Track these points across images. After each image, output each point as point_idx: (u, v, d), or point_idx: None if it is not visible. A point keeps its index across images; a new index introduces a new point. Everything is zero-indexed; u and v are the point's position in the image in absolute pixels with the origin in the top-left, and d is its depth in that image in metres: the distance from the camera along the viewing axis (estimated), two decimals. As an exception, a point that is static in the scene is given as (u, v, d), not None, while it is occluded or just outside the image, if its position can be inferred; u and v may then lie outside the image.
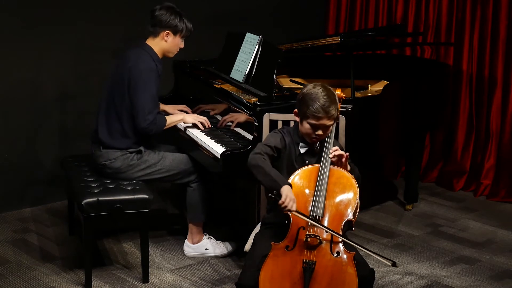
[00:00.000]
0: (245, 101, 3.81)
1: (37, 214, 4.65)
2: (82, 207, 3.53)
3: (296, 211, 2.98)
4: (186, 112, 4.28)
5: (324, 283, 2.93)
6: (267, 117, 3.59)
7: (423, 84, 4.66)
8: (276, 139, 3.24)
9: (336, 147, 3.18)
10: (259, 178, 3.08)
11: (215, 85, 4.27)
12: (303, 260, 2.95)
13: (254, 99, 3.87)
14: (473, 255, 4.18)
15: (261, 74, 4.04)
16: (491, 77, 5.25)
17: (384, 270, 3.89)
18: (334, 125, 3.23)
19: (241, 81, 4.13)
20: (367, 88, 4.64)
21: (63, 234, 4.30)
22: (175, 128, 4.05)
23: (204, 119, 4.04)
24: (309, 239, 2.97)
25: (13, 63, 4.53)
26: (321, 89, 3.13)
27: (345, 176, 3.15)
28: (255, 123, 3.66)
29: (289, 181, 3.10)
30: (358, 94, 4.40)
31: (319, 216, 3.01)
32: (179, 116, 4.02)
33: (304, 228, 3.01)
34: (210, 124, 4.06)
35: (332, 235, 2.99)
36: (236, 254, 4.02)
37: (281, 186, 2.99)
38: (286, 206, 2.96)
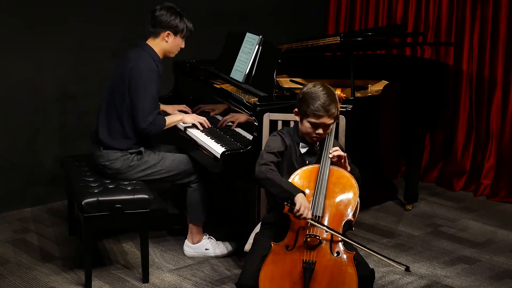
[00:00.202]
0: (245, 101, 3.81)
1: (37, 214, 4.65)
2: (82, 207, 3.53)
3: (312, 219, 2.98)
4: (186, 112, 4.29)
5: (324, 283, 2.93)
6: (267, 117, 3.59)
7: (423, 84, 4.66)
8: (277, 143, 3.24)
9: (337, 147, 3.18)
10: (271, 190, 3.07)
11: (215, 85, 4.27)
12: (303, 260, 2.95)
13: (254, 99, 3.87)
14: (473, 255, 4.18)
15: (261, 74, 4.04)
16: (491, 77, 5.25)
17: (384, 270, 3.89)
18: (334, 124, 3.23)
19: (241, 81, 4.13)
20: (367, 88, 4.64)
21: (63, 234, 4.30)
22: (175, 128, 4.04)
23: (203, 119, 4.03)
24: (309, 239, 2.97)
25: (13, 63, 4.53)
26: (321, 88, 3.14)
27: (345, 176, 3.15)
28: (255, 123, 3.66)
29: (289, 180, 3.11)
30: (358, 94, 4.40)
31: (319, 216, 3.01)
32: (178, 117, 4.02)
33: (304, 228, 3.01)
34: (210, 124, 4.06)
35: (332, 235, 2.99)
36: (236, 254, 4.02)
37: (294, 196, 2.98)
38: (301, 215, 2.95)
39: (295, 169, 3.18)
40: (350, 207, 3.08)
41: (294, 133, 3.30)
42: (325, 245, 2.99)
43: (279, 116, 3.60)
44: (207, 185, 3.98)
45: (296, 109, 3.24)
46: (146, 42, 3.88)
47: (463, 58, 5.37)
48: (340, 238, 2.99)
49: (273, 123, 3.60)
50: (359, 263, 3.01)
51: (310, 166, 3.18)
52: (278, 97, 3.88)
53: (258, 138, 3.61)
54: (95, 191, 3.65)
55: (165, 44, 3.87)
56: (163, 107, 4.24)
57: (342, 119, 3.55)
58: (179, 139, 4.10)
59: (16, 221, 4.51)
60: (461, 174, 5.43)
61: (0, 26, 4.43)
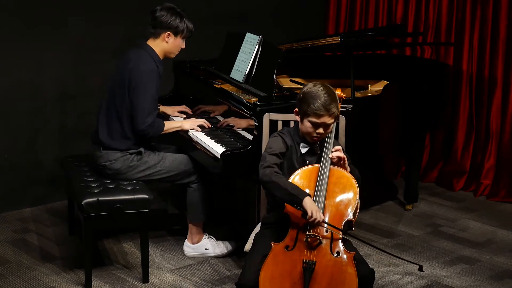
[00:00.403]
0: (245, 101, 3.81)
1: (37, 214, 4.65)
2: (82, 207, 3.53)
3: (326, 223, 2.98)
4: (186, 113, 4.29)
5: (324, 283, 2.93)
6: (267, 117, 3.59)
7: (423, 84, 4.66)
8: (278, 144, 3.24)
9: (339, 147, 3.18)
10: (276, 194, 3.06)
11: (215, 85, 4.27)
12: (303, 260, 2.95)
13: (254, 99, 3.87)
14: (473, 255, 4.18)
15: (261, 74, 4.04)
16: (491, 77, 5.25)
17: (384, 270, 3.89)
18: (334, 124, 3.24)
19: (241, 81, 4.13)
20: (367, 88, 4.64)
21: (63, 234, 4.30)
22: (175, 127, 4.05)
23: (202, 121, 4.03)
24: (309, 239, 2.97)
25: (13, 63, 4.53)
26: (321, 87, 3.14)
27: (345, 176, 3.15)
28: (255, 123, 3.66)
29: (289, 180, 3.10)
30: (358, 94, 4.39)
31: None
32: (177, 123, 4.01)
33: (304, 228, 3.01)
34: (210, 124, 4.05)
35: (332, 234, 3.00)
36: (236, 254, 4.02)
37: (301, 200, 2.97)
38: (315, 219, 2.94)
39: (295, 169, 3.18)
40: (350, 207, 3.08)
41: (294, 133, 3.30)
42: (325, 245, 2.99)
43: (279, 116, 3.60)
44: (207, 185, 3.98)
45: (296, 109, 3.24)
46: (147, 42, 3.88)
47: (463, 58, 5.37)
48: (355, 241, 2.98)
49: (273, 123, 3.60)
50: (359, 263, 3.01)
51: (310, 166, 3.18)
52: (278, 97, 3.87)
53: (258, 138, 3.61)
54: (95, 191, 3.65)
55: (166, 44, 3.87)
56: (163, 108, 4.24)
57: (342, 119, 3.55)
58: (179, 139, 4.10)
59: (16, 221, 4.51)
60: (461, 174, 5.43)
61: (0, 26, 4.43)
